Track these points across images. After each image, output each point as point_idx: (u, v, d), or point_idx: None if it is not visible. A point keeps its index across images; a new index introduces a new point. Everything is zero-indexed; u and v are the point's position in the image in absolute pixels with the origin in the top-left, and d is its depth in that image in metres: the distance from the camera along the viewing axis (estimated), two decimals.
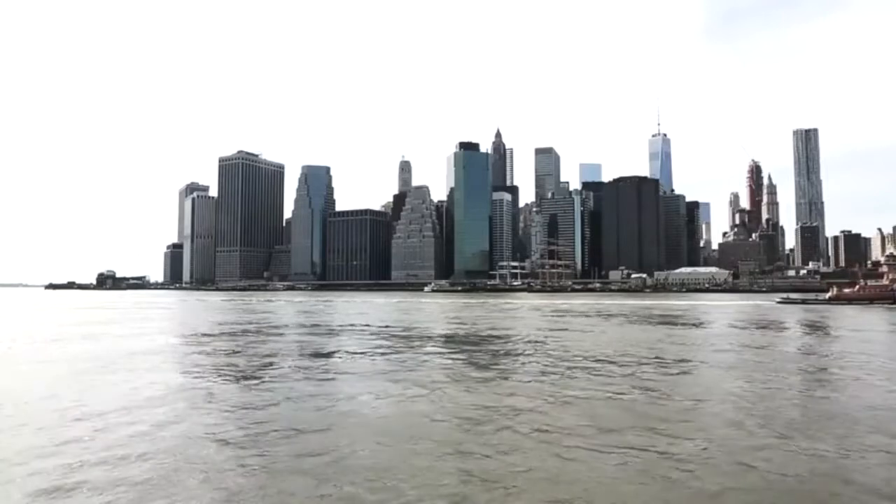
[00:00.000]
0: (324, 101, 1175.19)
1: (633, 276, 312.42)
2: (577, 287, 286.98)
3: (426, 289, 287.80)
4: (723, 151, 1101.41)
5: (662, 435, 14.52)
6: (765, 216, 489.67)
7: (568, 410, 17.54)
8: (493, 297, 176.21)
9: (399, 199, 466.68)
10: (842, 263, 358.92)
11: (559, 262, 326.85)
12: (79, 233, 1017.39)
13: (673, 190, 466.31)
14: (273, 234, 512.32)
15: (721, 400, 19.21)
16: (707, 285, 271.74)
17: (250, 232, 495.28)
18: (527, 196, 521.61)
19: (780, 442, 14.02)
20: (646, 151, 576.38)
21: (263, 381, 22.81)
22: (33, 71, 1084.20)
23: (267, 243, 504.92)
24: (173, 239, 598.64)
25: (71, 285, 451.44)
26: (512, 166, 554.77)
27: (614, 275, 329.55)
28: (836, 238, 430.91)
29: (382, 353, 32.11)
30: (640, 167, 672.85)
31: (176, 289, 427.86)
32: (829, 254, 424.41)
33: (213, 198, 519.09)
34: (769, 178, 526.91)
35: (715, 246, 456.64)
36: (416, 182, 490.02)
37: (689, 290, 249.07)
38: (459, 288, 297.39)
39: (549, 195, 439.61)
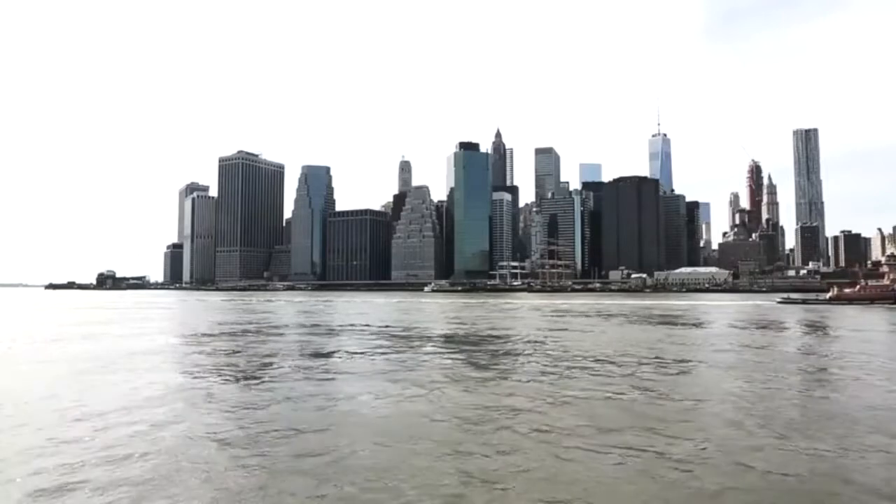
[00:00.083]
0: (324, 101, 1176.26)
1: (633, 276, 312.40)
2: (577, 287, 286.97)
3: (426, 289, 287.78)
4: (723, 151, 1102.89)
5: (662, 435, 14.53)
6: (765, 216, 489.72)
7: (567, 410, 17.54)
8: (493, 297, 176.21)
9: (399, 199, 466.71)
10: (842, 263, 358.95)
11: (559, 262, 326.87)
12: (79, 233, 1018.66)
13: (673, 190, 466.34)
14: (273, 234, 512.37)
15: (721, 400, 19.21)
16: (707, 285, 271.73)
17: (250, 232, 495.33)
18: (527, 196, 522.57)
19: (780, 442, 14.03)
20: (646, 151, 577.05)
21: (263, 381, 22.82)
22: (33, 71, 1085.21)
23: (267, 243, 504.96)
24: (173, 239, 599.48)
25: (71, 285, 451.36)
26: (512, 166, 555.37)
27: (614, 275, 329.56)
28: (836, 238, 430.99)
29: (382, 353, 32.12)
30: (640, 167, 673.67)
31: (176, 289, 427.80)
32: (829, 254, 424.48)
33: (213, 198, 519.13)
34: (769, 178, 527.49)
35: (715, 246, 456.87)
36: (416, 182, 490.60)
37: (689, 290, 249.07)
38: (459, 288, 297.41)
39: (549, 195, 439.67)
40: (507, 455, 12.97)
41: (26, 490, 10.69)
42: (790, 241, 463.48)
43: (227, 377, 24.07)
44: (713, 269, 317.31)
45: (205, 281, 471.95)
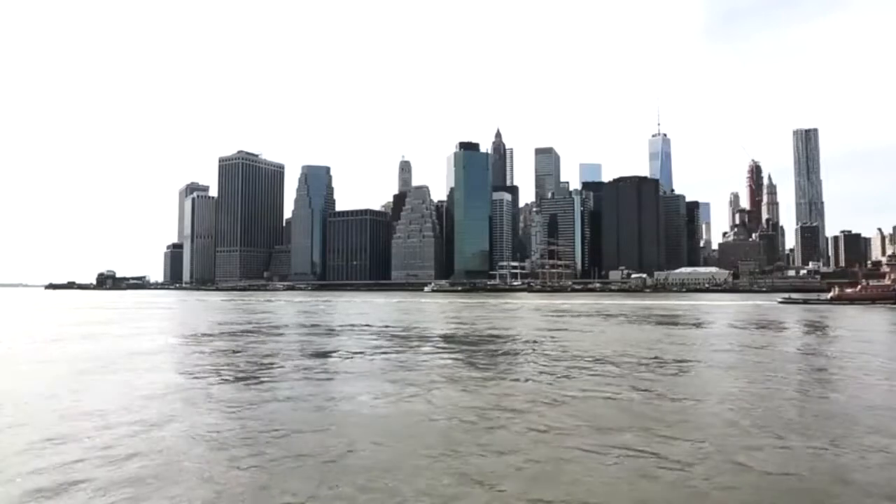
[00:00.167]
0: (324, 101, 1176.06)
1: (633, 276, 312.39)
2: (577, 287, 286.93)
3: (426, 289, 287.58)
4: (723, 151, 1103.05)
5: (661, 435, 14.54)
6: (765, 216, 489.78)
7: (566, 410, 17.55)
8: (493, 298, 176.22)
9: (399, 199, 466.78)
10: (842, 263, 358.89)
11: (559, 262, 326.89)
12: (79, 233, 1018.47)
13: (673, 190, 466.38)
14: (273, 234, 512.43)
15: (720, 400, 19.22)
16: (707, 285, 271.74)
17: (250, 232, 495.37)
18: (527, 196, 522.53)
19: (779, 442, 14.04)
20: (646, 151, 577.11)
21: (263, 381, 22.83)
22: (33, 71, 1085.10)
23: (267, 243, 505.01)
24: (173, 239, 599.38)
25: (71, 285, 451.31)
26: (512, 166, 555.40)
27: (614, 275, 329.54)
28: (836, 238, 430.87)
29: (382, 353, 32.13)
30: (640, 167, 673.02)
31: (176, 289, 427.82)
32: (829, 254, 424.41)
33: (213, 198, 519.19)
34: (769, 178, 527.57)
35: (715, 246, 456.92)
36: (416, 182, 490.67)
37: (689, 290, 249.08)
38: (459, 288, 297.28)
39: (549, 195, 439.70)
40: (506, 455, 12.99)
41: (26, 489, 10.70)
42: (790, 241, 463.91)
43: (227, 377, 24.09)
44: (713, 269, 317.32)
45: (205, 281, 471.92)
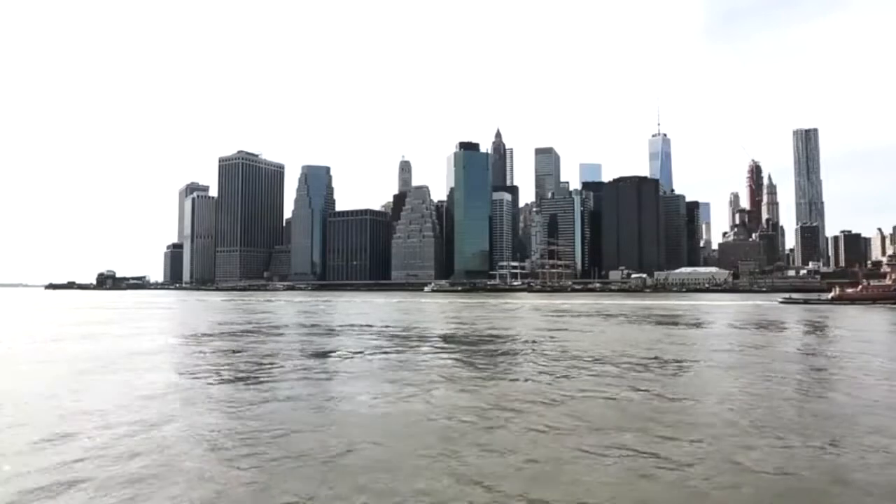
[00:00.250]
0: (324, 101, 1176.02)
1: (633, 276, 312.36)
2: (577, 287, 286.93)
3: (426, 289, 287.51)
4: (723, 151, 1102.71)
5: (661, 435, 14.53)
6: (765, 216, 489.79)
7: (566, 410, 17.55)
8: (493, 298, 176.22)
9: (399, 199, 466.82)
10: (842, 263, 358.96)
11: (559, 262, 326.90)
12: (79, 233, 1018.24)
13: (673, 190, 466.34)
14: (273, 234, 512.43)
15: (720, 400, 19.22)
16: (707, 285, 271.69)
17: (250, 232, 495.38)
18: (527, 196, 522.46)
19: (779, 442, 14.04)
20: (646, 151, 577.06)
21: (263, 381, 22.82)
22: (33, 71, 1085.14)
23: (267, 243, 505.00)
24: (173, 239, 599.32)
25: (71, 285, 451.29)
26: (512, 166, 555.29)
27: (614, 275, 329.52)
28: (836, 238, 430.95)
29: (382, 353, 32.14)
30: (640, 167, 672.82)
31: (176, 289, 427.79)
32: (829, 254, 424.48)
33: (213, 198, 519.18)
34: (769, 178, 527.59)
35: (715, 246, 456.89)
36: (416, 182, 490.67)
37: (689, 290, 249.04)
38: (459, 288, 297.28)
39: (549, 195, 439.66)
40: (505, 455, 12.99)
41: (27, 488, 10.70)
42: (790, 241, 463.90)
43: (227, 377, 24.09)
44: (713, 269, 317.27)
45: (205, 281, 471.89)
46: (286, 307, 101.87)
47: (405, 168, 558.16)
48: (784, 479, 11.53)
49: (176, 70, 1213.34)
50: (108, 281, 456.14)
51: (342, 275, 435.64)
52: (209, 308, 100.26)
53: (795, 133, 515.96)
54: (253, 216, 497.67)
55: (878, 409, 17.73)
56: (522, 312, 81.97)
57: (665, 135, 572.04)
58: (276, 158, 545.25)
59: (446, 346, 37.41)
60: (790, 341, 41.66)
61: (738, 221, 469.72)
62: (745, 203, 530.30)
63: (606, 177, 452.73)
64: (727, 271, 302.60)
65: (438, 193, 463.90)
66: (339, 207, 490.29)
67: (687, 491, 10.86)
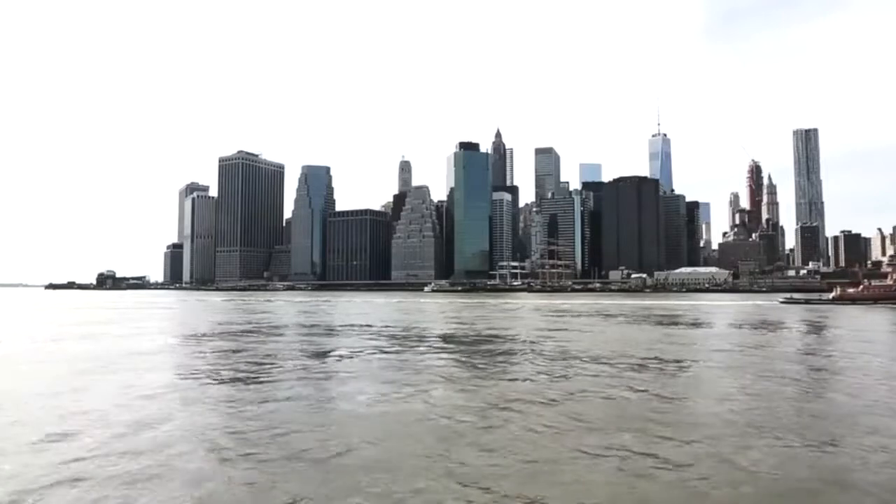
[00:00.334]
0: (324, 101, 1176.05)
1: (633, 276, 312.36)
2: (577, 287, 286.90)
3: (426, 289, 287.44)
4: (723, 151, 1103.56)
5: (660, 435, 14.53)
6: (765, 216, 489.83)
7: (565, 410, 17.54)
8: (493, 298, 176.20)
9: (399, 199, 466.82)
10: (842, 263, 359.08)
11: (559, 262, 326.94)
12: (79, 233, 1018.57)
13: (673, 190, 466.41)
14: (273, 234, 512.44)
15: (720, 400, 19.21)
16: (707, 285, 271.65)
17: (250, 232, 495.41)
18: (527, 196, 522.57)
19: (779, 442, 14.03)
20: (646, 151, 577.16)
21: (262, 381, 22.82)
22: (33, 71, 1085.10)
23: (267, 243, 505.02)
24: (173, 239, 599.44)
25: (71, 285, 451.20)
26: (512, 166, 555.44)
27: (614, 275, 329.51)
28: (836, 238, 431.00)
29: (381, 353, 32.13)
30: (640, 167, 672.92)
31: (176, 289, 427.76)
32: (829, 254, 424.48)
33: (213, 198, 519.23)
34: (769, 178, 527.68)
35: (715, 246, 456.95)
36: (416, 182, 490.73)
37: (689, 290, 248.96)
38: (459, 288, 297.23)
39: (549, 195, 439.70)
40: (504, 455, 12.98)
41: (27, 488, 10.71)
42: (790, 241, 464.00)
43: (227, 377, 24.08)
44: (713, 269, 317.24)
45: (205, 281, 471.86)
46: (286, 307, 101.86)
47: (405, 168, 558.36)
48: (783, 479, 11.52)
49: (176, 70, 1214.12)
50: (108, 281, 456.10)
51: (342, 275, 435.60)
52: (209, 308, 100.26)
53: (795, 133, 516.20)
54: (253, 216, 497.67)
55: (878, 410, 17.72)
56: (522, 312, 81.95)
57: (665, 135, 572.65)
58: (276, 158, 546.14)
59: (446, 346, 37.41)
60: (790, 341, 41.64)
61: (738, 221, 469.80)
62: (745, 203, 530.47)
63: (606, 177, 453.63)
64: (727, 271, 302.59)
65: (438, 193, 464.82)
66: (339, 207, 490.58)
67: (686, 491, 10.86)
